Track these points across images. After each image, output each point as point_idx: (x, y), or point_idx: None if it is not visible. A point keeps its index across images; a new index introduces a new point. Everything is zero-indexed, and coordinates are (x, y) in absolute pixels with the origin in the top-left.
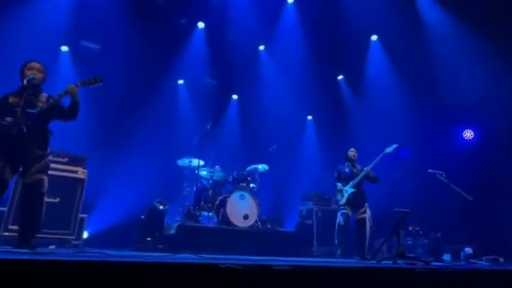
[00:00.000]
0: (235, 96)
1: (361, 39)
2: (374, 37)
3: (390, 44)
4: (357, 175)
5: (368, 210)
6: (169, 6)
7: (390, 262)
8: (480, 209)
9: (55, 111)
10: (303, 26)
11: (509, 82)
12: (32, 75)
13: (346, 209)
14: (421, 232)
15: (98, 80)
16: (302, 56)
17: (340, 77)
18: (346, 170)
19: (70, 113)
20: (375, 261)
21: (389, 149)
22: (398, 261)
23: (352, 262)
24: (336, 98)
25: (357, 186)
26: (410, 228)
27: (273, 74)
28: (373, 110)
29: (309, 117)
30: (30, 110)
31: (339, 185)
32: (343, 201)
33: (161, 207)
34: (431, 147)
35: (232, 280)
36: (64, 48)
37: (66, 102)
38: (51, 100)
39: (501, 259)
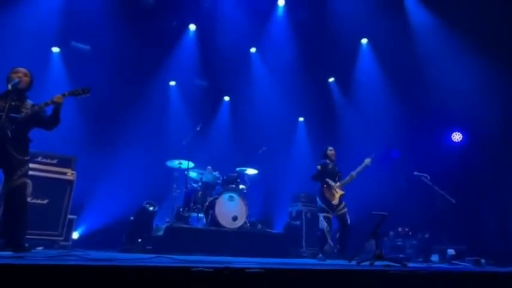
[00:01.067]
0: (226, 98)
1: (352, 42)
2: (364, 40)
3: (380, 47)
4: (338, 174)
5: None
6: (160, 8)
7: (367, 263)
8: (468, 210)
9: (38, 118)
10: (294, 29)
11: (496, 85)
12: (17, 79)
13: (328, 212)
14: (410, 233)
15: (85, 91)
16: (293, 58)
17: (331, 79)
18: (329, 167)
19: (50, 122)
20: (354, 262)
21: (367, 161)
22: (376, 263)
23: (327, 264)
24: (327, 100)
25: (342, 188)
26: (399, 229)
27: (264, 76)
28: (363, 112)
29: (301, 119)
30: (15, 115)
31: (331, 181)
32: (336, 201)
33: (151, 208)
34: (420, 149)
35: (203, 283)
36: (55, 49)
37: (49, 111)
38: (36, 107)
39: (483, 260)
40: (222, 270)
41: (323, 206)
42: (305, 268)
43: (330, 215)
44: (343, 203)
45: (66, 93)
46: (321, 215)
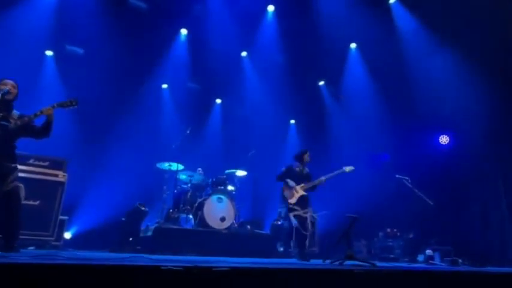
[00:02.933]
0: (218, 101)
1: (341, 46)
2: (353, 45)
3: (368, 52)
4: (307, 176)
5: (310, 213)
6: (153, 13)
7: (337, 263)
8: (455, 211)
9: (27, 129)
10: (284, 33)
11: (482, 90)
12: (6, 89)
13: (297, 211)
14: (398, 234)
15: (73, 103)
16: (283, 62)
17: (321, 83)
18: (297, 169)
19: (43, 132)
20: (328, 262)
21: (348, 168)
22: (346, 263)
23: (296, 263)
24: (318, 103)
25: (306, 191)
26: (388, 230)
27: (255, 79)
28: (353, 114)
29: (292, 122)
30: (5, 123)
31: (292, 182)
32: (293, 200)
33: (142, 208)
34: (408, 151)
35: (173, 281)
36: (49, 52)
37: (38, 121)
38: (26, 118)
39: (460, 260)
40: (190, 269)
41: (289, 205)
42: (273, 267)
43: (300, 213)
44: (309, 208)
45: (55, 105)
46: (291, 214)
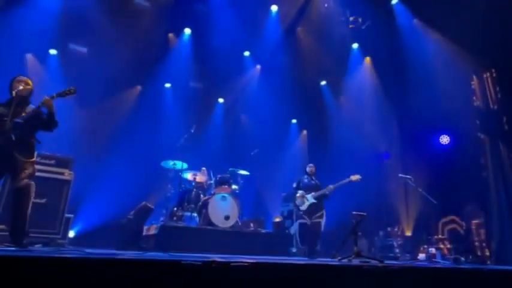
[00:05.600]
0: (221, 100)
1: (343, 46)
2: (355, 45)
3: (370, 52)
4: (316, 186)
5: (324, 217)
6: (156, 12)
7: (346, 260)
8: (456, 210)
9: (38, 120)
10: (287, 33)
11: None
12: (21, 87)
13: (304, 219)
14: (398, 233)
15: (72, 91)
16: (286, 62)
17: (323, 83)
18: (305, 180)
19: (48, 123)
20: (336, 259)
21: (354, 178)
22: (354, 260)
23: (309, 260)
24: (319, 103)
25: (317, 198)
26: (389, 229)
27: (257, 78)
28: (354, 114)
29: (294, 121)
30: (17, 120)
31: (301, 191)
32: (304, 207)
33: (149, 206)
34: (409, 151)
35: (193, 275)
36: (52, 51)
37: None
38: (31, 110)
39: (462, 259)
40: (209, 263)
41: (299, 212)
42: (288, 262)
43: (305, 221)
44: (320, 212)
45: (55, 95)
46: (297, 221)
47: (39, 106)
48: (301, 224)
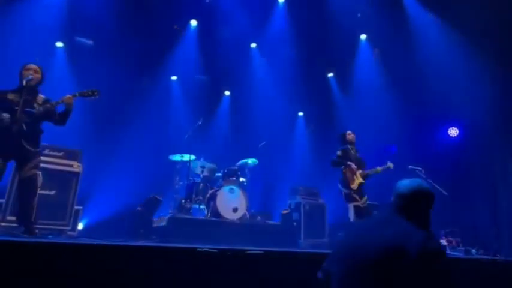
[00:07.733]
0: (227, 93)
1: (351, 37)
2: (363, 36)
3: (378, 43)
4: (362, 163)
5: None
6: (162, 3)
7: None
8: (467, 202)
9: (49, 114)
10: (294, 25)
11: (492, 81)
12: (30, 76)
13: (357, 200)
14: None
15: (95, 93)
16: (293, 53)
17: (330, 75)
18: (352, 152)
19: (61, 119)
20: None
21: (391, 165)
22: None
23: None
24: (327, 95)
25: (364, 178)
26: None
27: (264, 71)
28: (361, 106)
29: (300, 114)
30: (30, 110)
31: (354, 165)
32: (355, 186)
33: (158, 198)
34: (418, 143)
35: (209, 262)
36: (59, 44)
37: (57, 109)
38: (48, 104)
39: (473, 250)
40: (225, 251)
41: (348, 191)
42: (302, 252)
43: (359, 204)
44: (365, 196)
45: (77, 93)
46: (351, 205)
47: (58, 103)
48: (356, 208)
